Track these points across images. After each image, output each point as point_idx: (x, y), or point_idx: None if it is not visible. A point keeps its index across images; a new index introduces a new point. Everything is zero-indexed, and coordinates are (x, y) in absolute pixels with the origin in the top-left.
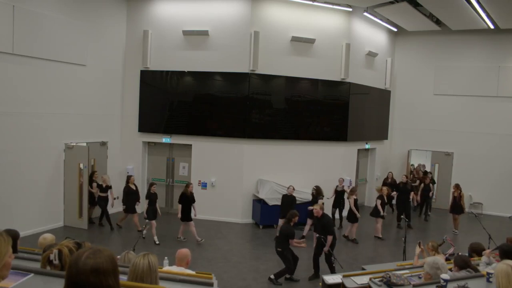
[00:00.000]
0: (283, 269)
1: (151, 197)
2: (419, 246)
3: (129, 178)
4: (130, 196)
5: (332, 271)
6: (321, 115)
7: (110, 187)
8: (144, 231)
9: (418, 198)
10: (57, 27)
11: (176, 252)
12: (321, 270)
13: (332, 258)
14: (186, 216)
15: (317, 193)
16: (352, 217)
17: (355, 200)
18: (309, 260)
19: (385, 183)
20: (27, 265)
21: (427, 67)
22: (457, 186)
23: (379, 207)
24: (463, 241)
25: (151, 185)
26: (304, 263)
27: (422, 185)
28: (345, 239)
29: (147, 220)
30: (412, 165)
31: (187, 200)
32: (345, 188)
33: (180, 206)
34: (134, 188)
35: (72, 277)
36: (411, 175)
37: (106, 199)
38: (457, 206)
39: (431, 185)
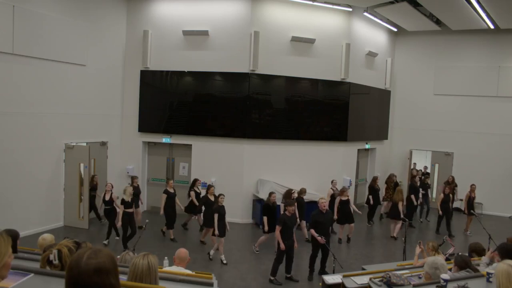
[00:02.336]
0: (273, 263)
1: (220, 211)
2: (419, 246)
3: (209, 188)
4: (209, 208)
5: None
6: (321, 115)
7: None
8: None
9: (439, 211)
10: (57, 27)
11: (176, 252)
12: (317, 270)
13: (332, 257)
14: (272, 227)
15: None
16: (341, 219)
17: (344, 201)
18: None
19: (373, 188)
20: (27, 265)
21: (427, 67)
22: (475, 187)
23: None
24: (463, 241)
25: (218, 196)
26: (305, 263)
27: (442, 195)
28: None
29: (147, 221)
30: (422, 169)
31: (270, 210)
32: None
33: (265, 218)
34: (213, 199)
35: (74, 277)
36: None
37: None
38: (472, 207)
39: (451, 195)
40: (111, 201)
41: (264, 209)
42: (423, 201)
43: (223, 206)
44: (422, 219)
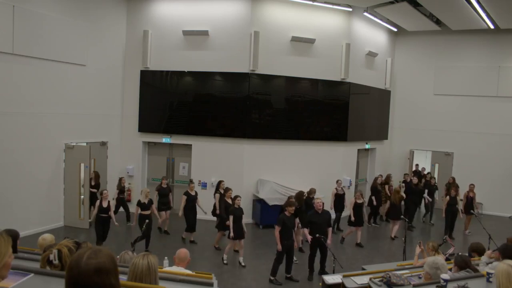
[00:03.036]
0: (273, 263)
1: (236, 213)
2: (419, 246)
3: (226, 191)
4: (227, 211)
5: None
6: (321, 115)
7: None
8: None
9: (443, 214)
10: (57, 27)
11: (176, 252)
12: (317, 270)
13: (332, 257)
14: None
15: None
16: (355, 221)
17: (359, 204)
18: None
19: (376, 189)
20: (27, 265)
21: (427, 67)
22: (474, 186)
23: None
24: (463, 241)
25: (234, 198)
26: (305, 263)
27: (448, 197)
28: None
29: (147, 220)
30: (423, 168)
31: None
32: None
33: None
34: (231, 202)
35: (74, 277)
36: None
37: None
38: (472, 207)
39: (457, 197)
40: (109, 208)
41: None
42: (429, 203)
43: (240, 208)
44: (424, 218)
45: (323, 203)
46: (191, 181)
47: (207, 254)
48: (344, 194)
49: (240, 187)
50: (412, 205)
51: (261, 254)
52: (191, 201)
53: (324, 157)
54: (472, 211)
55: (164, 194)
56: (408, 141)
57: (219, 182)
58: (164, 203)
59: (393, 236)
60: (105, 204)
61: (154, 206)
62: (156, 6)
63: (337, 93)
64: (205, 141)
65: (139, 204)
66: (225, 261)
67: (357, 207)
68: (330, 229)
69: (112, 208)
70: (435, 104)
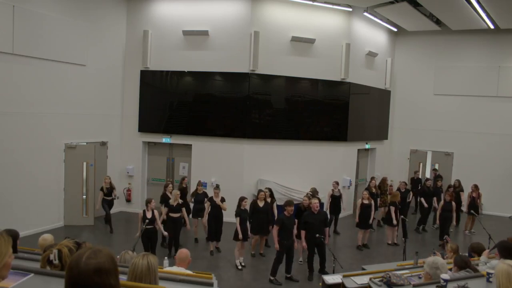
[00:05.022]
0: (273, 263)
1: (242, 214)
2: (435, 254)
3: (259, 193)
4: (255, 215)
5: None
6: (321, 115)
7: (182, 204)
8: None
9: (437, 220)
10: (57, 27)
11: (177, 253)
12: (317, 270)
13: (332, 257)
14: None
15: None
16: (361, 223)
17: (366, 205)
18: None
19: (371, 192)
20: (27, 265)
21: (427, 67)
22: (476, 187)
23: (393, 214)
24: (463, 241)
25: (241, 200)
26: (305, 263)
27: (442, 202)
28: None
29: (147, 220)
30: (417, 173)
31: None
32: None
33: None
34: (262, 205)
35: (74, 277)
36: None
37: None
38: (475, 207)
39: (453, 203)
40: (154, 218)
41: (297, 212)
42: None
43: (246, 210)
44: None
45: (322, 204)
46: (217, 187)
47: (206, 254)
48: (340, 196)
49: (240, 187)
50: (423, 208)
51: (260, 255)
52: (215, 208)
53: (324, 157)
54: (472, 211)
55: (200, 201)
56: (408, 141)
57: (258, 192)
58: (201, 210)
59: (390, 242)
60: (149, 215)
61: (185, 210)
62: (156, 6)
63: (337, 93)
64: (205, 141)
65: (168, 205)
66: (239, 267)
67: (365, 209)
68: (327, 229)
69: (158, 219)
70: (435, 104)
